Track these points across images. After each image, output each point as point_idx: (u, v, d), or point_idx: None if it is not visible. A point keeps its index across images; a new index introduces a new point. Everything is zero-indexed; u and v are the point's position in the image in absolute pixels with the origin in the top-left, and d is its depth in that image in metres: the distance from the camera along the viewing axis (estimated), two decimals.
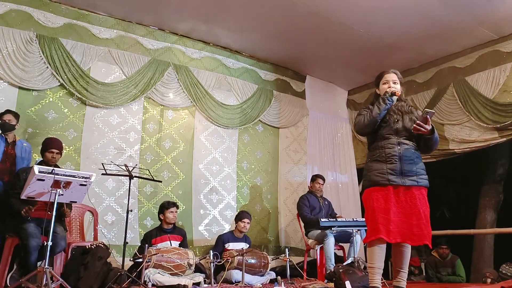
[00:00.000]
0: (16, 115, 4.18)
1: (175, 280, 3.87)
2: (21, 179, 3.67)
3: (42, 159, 4.04)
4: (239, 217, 5.04)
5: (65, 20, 5.00)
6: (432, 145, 2.93)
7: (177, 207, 4.67)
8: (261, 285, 4.33)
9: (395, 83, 3.02)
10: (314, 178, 5.72)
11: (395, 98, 2.97)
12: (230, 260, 4.41)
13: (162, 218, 4.60)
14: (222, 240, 4.92)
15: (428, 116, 2.76)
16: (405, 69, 6.62)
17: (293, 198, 6.45)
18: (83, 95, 4.97)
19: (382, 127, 2.97)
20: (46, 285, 2.95)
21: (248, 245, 5.02)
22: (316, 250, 5.06)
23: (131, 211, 3.84)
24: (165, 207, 4.60)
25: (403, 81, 3.12)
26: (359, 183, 6.99)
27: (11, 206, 3.64)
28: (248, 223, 5.00)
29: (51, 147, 3.95)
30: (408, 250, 2.91)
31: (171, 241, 4.50)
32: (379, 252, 2.84)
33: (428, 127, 2.78)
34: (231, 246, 4.87)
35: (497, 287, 4.17)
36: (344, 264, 4.34)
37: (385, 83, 3.04)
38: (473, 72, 5.76)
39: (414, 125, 2.80)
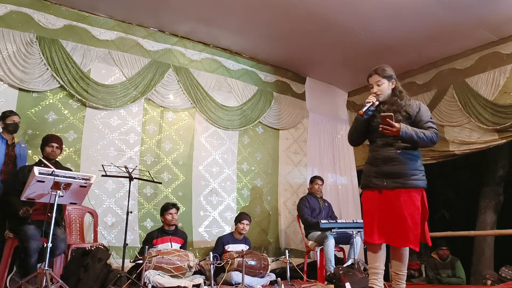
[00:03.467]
0: (19, 116, 4.21)
1: (175, 282, 3.86)
2: (20, 176, 3.68)
3: (40, 158, 4.04)
4: (238, 219, 5.03)
5: (65, 21, 5.01)
6: (415, 143, 2.83)
7: (177, 208, 4.65)
8: (261, 287, 4.32)
9: (378, 84, 2.95)
10: (313, 179, 5.72)
11: (376, 102, 2.90)
12: (230, 262, 4.41)
13: (163, 220, 4.61)
14: (221, 241, 4.92)
15: (387, 119, 2.72)
16: (405, 71, 6.63)
17: (293, 199, 6.45)
18: (83, 96, 4.97)
19: (370, 131, 2.99)
20: (46, 286, 2.95)
21: (248, 247, 5.01)
22: (316, 251, 5.06)
23: (131, 212, 3.83)
24: (164, 209, 4.62)
25: (391, 72, 3.00)
26: (359, 185, 6.99)
27: (11, 205, 3.64)
28: (247, 224, 4.99)
29: (50, 141, 3.95)
30: (404, 252, 2.86)
31: (172, 243, 4.50)
32: (373, 253, 2.87)
33: (394, 128, 2.72)
34: (231, 247, 4.87)
35: None
36: (344, 265, 4.33)
37: (371, 87, 3.00)
38: (473, 74, 5.76)
39: (380, 129, 2.78)
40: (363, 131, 3.03)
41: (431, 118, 2.92)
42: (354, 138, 3.10)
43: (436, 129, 2.87)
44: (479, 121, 5.55)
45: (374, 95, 2.92)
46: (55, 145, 3.94)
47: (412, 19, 5.13)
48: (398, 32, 5.46)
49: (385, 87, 2.96)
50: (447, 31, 5.39)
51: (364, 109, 2.86)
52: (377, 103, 2.92)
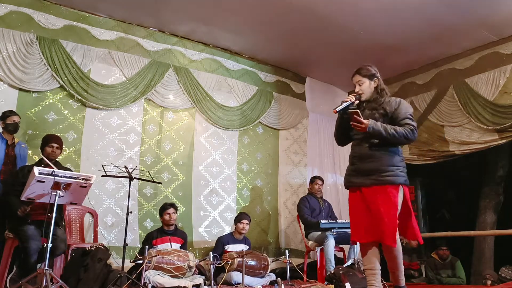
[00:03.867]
0: (19, 116, 4.21)
1: (175, 282, 3.86)
2: (20, 176, 3.68)
3: (40, 158, 4.04)
4: (238, 219, 5.03)
5: (65, 21, 5.01)
6: (384, 139, 2.82)
7: (175, 207, 4.64)
8: (261, 287, 4.32)
9: (360, 84, 2.99)
10: (313, 179, 5.71)
11: (356, 102, 2.97)
12: (230, 262, 4.41)
13: (162, 221, 4.61)
14: (221, 242, 4.92)
15: (354, 115, 2.79)
16: (405, 71, 6.63)
17: (293, 199, 6.45)
18: (83, 96, 4.97)
19: (350, 130, 3.05)
20: (46, 287, 2.95)
21: (247, 247, 5.01)
22: (316, 251, 5.05)
23: (131, 212, 3.84)
24: (162, 209, 4.62)
25: (373, 71, 3.01)
26: None
27: (10, 205, 3.64)
28: (247, 224, 4.99)
29: (51, 142, 3.93)
30: (393, 251, 2.81)
31: (172, 243, 4.50)
32: (365, 254, 2.89)
33: (362, 125, 2.79)
34: (231, 247, 4.86)
35: None
36: (344, 266, 4.32)
37: (355, 87, 3.05)
38: (473, 74, 5.76)
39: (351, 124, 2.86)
40: (343, 130, 3.09)
41: (410, 115, 2.88)
42: (337, 137, 3.18)
43: (412, 125, 2.83)
44: (479, 121, 5.55)
45: (355, 94, 2.97)
46: (55, 145, 3.93)
47: (412, 19, 5.13)
48: (398, 32, 5.46)
49: (366, 86, 2.99)
50: (447, 31, 5.39)
51: (338, 107, 2.89)
52: (357, 102, 2.96)
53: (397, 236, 2.78)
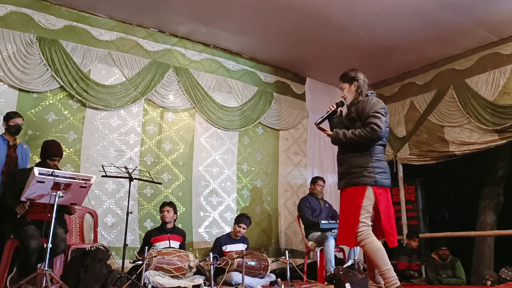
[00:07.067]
0: (22, 118, 4.22)
1: (175, 283, 3.87)
2: (17, 180, 3.68)
3: (40, 160, 4.04)
4: (237, 221, 5.01)
5: (65, 22, 5.00)
6: (345, 144, 2.97)
7: (171, 205, 4.66)
8: (261, 287, 4.32)
9: (342, 89, 3.18)
10: (315, 180, 5.67)
11: (338, 110, 3.24)
12: (230, 262, 4.41)
13: (160, 218, 4.65)
14: (219, 242, 4.91)
15: (317, 126, 3.18)
16: (405, 71, 6.64)
17: (293, 200, 6.45)
18: (83, 97, 4.97)
19: None
20: (46, 287, 2.95)
21: (246, 246, 5.01)
22: (316, 252, 5.06)
23: (131, 213, 3.84)
24: (160, 206, 4.70)
25: (353, 74, 3.15)
26: None
27: (7, 206, 3.64)
28: (244, 229, 4.95)
29: (53, 155, 3.92)
30: (365, 250, 2.81)
31: (171, 241, 4.51)
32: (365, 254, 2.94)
33: (330, 136, 3.06)
34: (229, 248, 4.86)
35: None
36: (344, 266, 4.33)
37: None
38: (473, 74, 5.77)
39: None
40: None
41: (374, 112, 2.87)
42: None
43: (373, 123, 2.82)
44: (479, 122, 5.55)
45: (338, 102, 3.21)
46: (57, 159, 3.94)
47: (413, 20, 5.14)
48: (398, 32, 5.46)
49: (347, 91, 3.14)
50: (447, 32, 5.40)
51: (319, 120, 3.19)
52: (339, 110, 3.19)
53: (366, 236, 2.77)
